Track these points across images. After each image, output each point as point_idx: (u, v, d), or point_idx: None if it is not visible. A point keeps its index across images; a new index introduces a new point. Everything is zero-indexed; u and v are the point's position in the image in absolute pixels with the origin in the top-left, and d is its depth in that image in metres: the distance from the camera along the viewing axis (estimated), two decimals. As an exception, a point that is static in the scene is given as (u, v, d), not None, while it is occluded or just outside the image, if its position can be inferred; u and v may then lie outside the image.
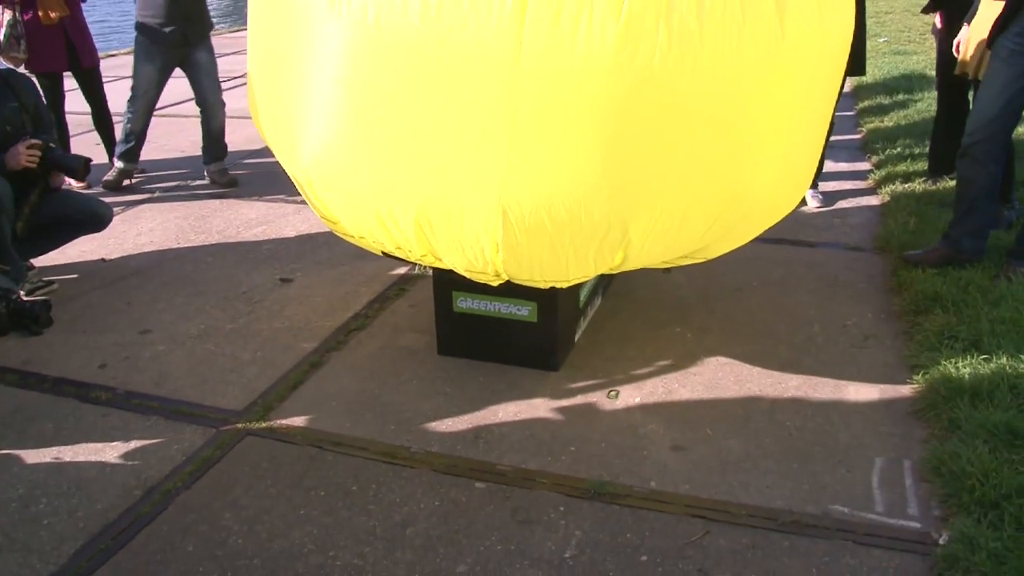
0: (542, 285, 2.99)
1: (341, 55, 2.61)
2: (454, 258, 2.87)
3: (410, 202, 2.72)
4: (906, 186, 5.36)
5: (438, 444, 2.98)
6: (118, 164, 5.91)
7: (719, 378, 3.35)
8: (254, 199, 5.63)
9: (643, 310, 3.92)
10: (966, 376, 3.11)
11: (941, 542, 2.42)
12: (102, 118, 6.05)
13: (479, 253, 2.77)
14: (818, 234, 4.82)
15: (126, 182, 5.92)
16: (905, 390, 3.21)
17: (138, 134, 5.85)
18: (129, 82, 5.83)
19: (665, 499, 2.67)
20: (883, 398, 3.17)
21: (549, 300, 3.31)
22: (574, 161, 2.54)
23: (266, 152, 4.59)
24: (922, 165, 5.67)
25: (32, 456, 2.96)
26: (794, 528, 2.53)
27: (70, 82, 5.80)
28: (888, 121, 7.06)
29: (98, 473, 2.85)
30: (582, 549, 2.47)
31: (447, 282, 3.39)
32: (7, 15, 5.33)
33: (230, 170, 6.03)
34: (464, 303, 3.43)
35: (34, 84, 4.47)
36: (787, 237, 4.71)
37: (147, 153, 6.61)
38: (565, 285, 3.05)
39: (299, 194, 3.33)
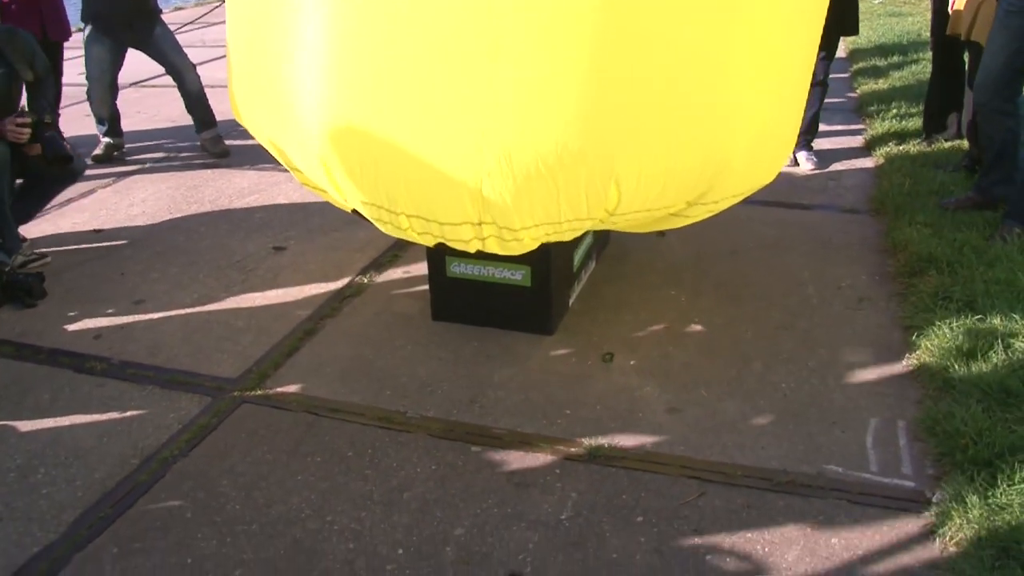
0: (535, 234, 2.88)
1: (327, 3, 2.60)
2: (442, 208, 2.81)
3: (400, 148, 2.68)
4: (901, 147, 5.34)
5: (434, 409, 2.99)
6: (105, 139, 5.87)
7: (713, 340, 3.35)
8: (246, 168, 5.60)
9: (637, 274, 3.92)
10: (960, 336, 3.12)
11: (935, 501, 2.44)
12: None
13: (468, 200, 2.71)
14: (812, 196, 4.81)
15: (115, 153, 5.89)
16: (900, 351, 3.21)
17: (109, 118, 5.82)
18: None
19: (660, 460, 2.69)
20: (877, 359, 3.17)
21: (543, 264, 3.30)
22: (558, 90, 2.50)
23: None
24: (917, 124, 5.66)
25: (29, 427, 2.96)
26: (789, 488, 2.54)
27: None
28: (883, 83, 7.03)
29: (95, 442, 2.86)
30: (578, 511, 2.48)
31: (441, 247, 3.38)
32: None
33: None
34: (458, 268, 3.43)
35: (32, 42, 4.19)
36: (781, 199, 4.70)
37: (137, 124, 6.59)
38: (562, 235, 2.94)
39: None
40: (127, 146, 6.02)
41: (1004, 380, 2.84)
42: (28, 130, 3.90)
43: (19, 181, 4.20)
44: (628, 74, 2.52)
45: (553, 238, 2.92)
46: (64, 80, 5.89)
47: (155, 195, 5.19)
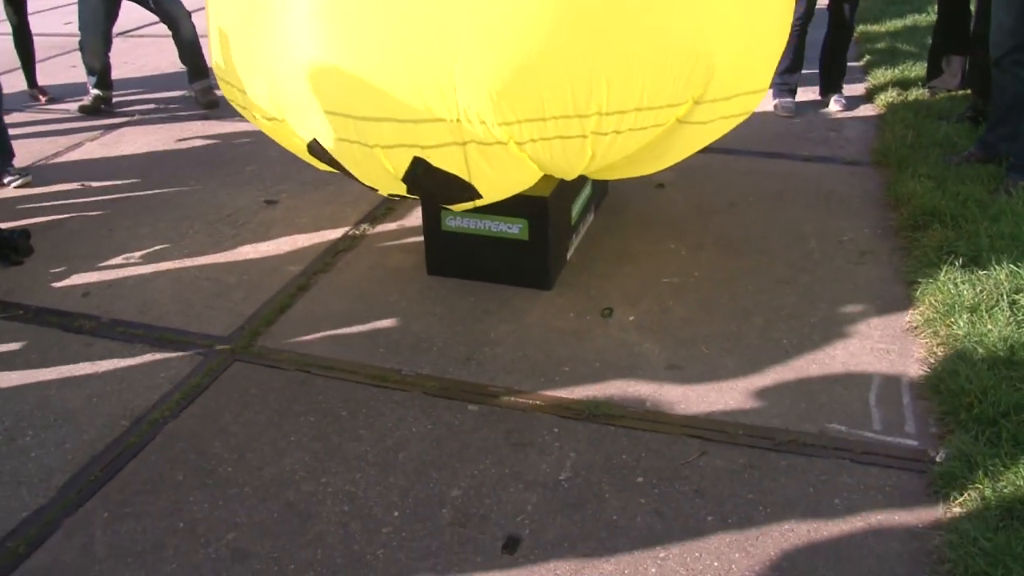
0: (519, 136, 2.77)
1: None
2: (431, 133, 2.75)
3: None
4: (903, 98, 5.24)
5: (429, 366, 2.94)
6: (93, 91, 5.74)
7: (714, 295, 3.29)
8: (236, 120, 5.47)
9: (636, 226, 3.85)
10: (965, 292, 3.06)
11: (938, 459, 2.40)
12: (23, 35, 5.77)
13: (446, 87, 2.66)
14: (814, 148, 4.72)
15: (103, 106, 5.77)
16: (903, 307, 3.16)
17: (99, 69, 5.67)
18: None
19: (661, 419, 2.64)
20: (880, 315, 3.12)
21: (540, 218, 3.23)
22: None
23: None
24: (919, 72, 5.56)
25: (16, 388, 2.91)
26: (791, 447, 2.50)
27: (36, 4, 5.55)
28: (886, 31, 6.89)
29: (84, 404, 2.81)
30: (577, 471, 2.44)
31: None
32: None
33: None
34: (453, 222, 3.36)
35: None
36: (783, 151, 4.63)
37: (126, 73, 6.45)
38: (549, 142, 2.82)
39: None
40: (115, 98, 5.90)
41: (1009, 337, 2.79)
42: None
43: None
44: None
45: (542, 150, 2.83)
46: (47, 30, 5.75)
47: (144, 148, 5.09)
